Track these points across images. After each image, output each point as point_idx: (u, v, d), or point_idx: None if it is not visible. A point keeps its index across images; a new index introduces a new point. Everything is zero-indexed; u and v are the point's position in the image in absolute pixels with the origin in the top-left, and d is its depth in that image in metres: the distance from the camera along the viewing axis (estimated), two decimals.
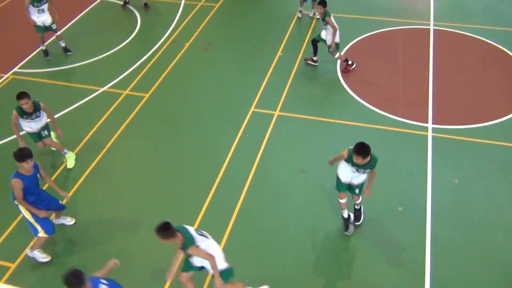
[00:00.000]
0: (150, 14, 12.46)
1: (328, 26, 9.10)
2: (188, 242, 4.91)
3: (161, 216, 5.30)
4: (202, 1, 12.68)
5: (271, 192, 7.19)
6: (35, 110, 7.16)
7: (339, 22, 9.51)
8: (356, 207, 6.59)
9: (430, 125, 8.30)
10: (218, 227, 6.60)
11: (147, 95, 9.30)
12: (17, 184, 5.74)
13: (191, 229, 5.03)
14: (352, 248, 6.37)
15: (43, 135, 7.49)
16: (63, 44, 10.49)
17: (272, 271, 6.10)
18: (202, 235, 5.13)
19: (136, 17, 12.15)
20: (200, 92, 9.42)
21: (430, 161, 7.59)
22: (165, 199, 7.15)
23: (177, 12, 12.21)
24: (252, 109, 8.83)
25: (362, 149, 5.54)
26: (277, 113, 8.73)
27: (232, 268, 5.25)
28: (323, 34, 9.35)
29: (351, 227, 6.56)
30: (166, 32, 11.31)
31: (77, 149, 8.07)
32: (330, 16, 9.02)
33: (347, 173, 6.05)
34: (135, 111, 8.92)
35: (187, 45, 10.85)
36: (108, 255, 5.94)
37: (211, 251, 5.04)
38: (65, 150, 7.75)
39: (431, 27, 11.15)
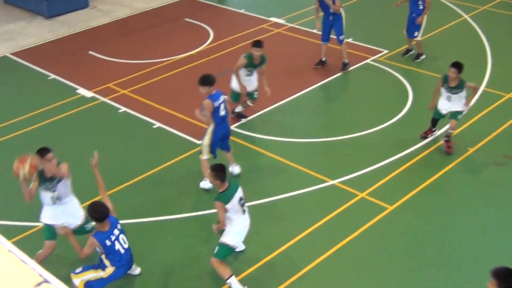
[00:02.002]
0: (428, 93, 13.15)
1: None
2: (222, 197, 7.69)
3: None
4: (511, 94, 12.88)
5: None
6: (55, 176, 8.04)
7: None
8: None
9: None
10: None
11: (390, 208, 9.71)
12: None
13: (239, 193, 7.80)
14: None
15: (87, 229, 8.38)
16: (238, 110, 12.33)
17: None
18: (243, 207, 7.88)
19: (406, 92, 13.07)
20: (460, 220, 9.52)
21: None
22: None
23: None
24: None
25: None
26: None
27: (233, 250, 7.97)
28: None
29: None
30: (444, 126, 11.70)
31: (280, 249, 8.86)
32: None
33: None
34: (369, 224, 9.37)
35: (471, 150, 11.06)
36: None
37: (230, 223, 7.82)
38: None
39: None
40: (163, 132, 11.99)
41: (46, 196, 8.15)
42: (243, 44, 15.40)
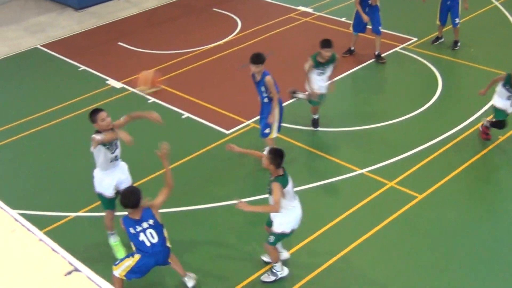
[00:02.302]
0: (458, 82, 13.08)
1: None
2: (281, 179, 7.43)
3: None
4: None
5: None
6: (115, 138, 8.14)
7: None
8: None
9: None
10: None
11: (420, 197, 9.66)
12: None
13: (291, 182, 7.64)
14: None
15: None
16: (316, 116, 11.69)
17: None
18: (295, 195, 7.78)
19: (436, 80, 12.99)
20: (489, 209, 9.45)
21: None
22: None
23: None
24: None
25: None
26: None
27: (286, 236, 7.81)
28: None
29: None
30: (476, 112, 11.68)
31: (308, 239, 8.89)
32: None
33: None
34: (398, 213, 9.35)
35: (501, 138, 10.94)
36: None
37: (284, 207, 7.49)
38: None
39: None
40: (192, 122, 12.06)
41: (106, 156, 8.17)
42: (271, 33, 15.44)
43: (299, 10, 17.02)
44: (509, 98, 10.31)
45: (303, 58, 13.74)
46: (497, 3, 16.62)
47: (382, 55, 13.94)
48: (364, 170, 10.35)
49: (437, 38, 14.48)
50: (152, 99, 12.87)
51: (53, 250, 3.26)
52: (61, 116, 12.52)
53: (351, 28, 14.13)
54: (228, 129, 11.69)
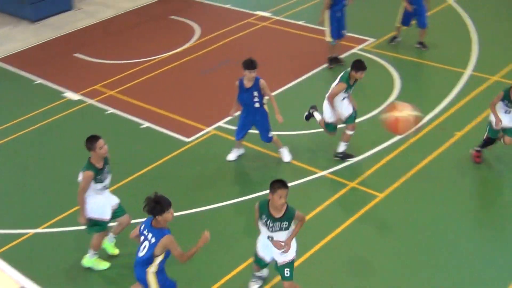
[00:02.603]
0: (415, 80, 13.23)
1: None
2: (293, 209, 7.05)
3: None
4: (497, 76, 12.94)
5: None
6: (106, 163, 8.08)
7: None
8: None
9: None
10: None
11: (381, 196, 9.75)
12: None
13: None
14: None
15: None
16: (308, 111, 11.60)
17: None
18: None
19: (393, 80, 13.16)
20: (449, 206, 9.57)
21: None
22: None
23: (456, 86, 12.70)
24: None
25: None
26: None
27: None
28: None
29: None
30: (432, 111, 11.80)
31: None
32: None
33: None
34: (360, 213, 9.45)
35: (458, 134, 11.10)
36: None
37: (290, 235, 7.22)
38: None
39: None
40: (151, 132, 11.99)
41: (96, 187, 7.99)
42: (230, 39, 15.51)
43: (257, 15, 17.07)
44: (507, 112, 9.97)
45: (262, 62, 13.78)
46: (451, 2, 16.88)
47: (339, 57, 14.04)
48: (325, 172, 10.41)
49: (394, 38, 14.65)
50: (111, 110, 12.80)
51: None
52: (17, 132, 12.34)
53: (329, 38, 13.78)
54: (188, 137, 11.66)
